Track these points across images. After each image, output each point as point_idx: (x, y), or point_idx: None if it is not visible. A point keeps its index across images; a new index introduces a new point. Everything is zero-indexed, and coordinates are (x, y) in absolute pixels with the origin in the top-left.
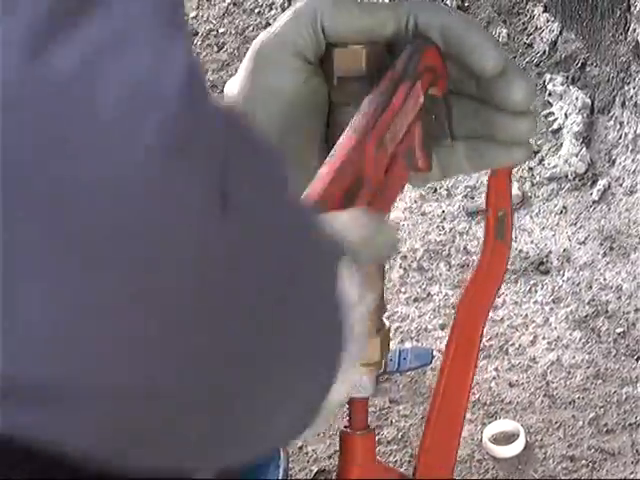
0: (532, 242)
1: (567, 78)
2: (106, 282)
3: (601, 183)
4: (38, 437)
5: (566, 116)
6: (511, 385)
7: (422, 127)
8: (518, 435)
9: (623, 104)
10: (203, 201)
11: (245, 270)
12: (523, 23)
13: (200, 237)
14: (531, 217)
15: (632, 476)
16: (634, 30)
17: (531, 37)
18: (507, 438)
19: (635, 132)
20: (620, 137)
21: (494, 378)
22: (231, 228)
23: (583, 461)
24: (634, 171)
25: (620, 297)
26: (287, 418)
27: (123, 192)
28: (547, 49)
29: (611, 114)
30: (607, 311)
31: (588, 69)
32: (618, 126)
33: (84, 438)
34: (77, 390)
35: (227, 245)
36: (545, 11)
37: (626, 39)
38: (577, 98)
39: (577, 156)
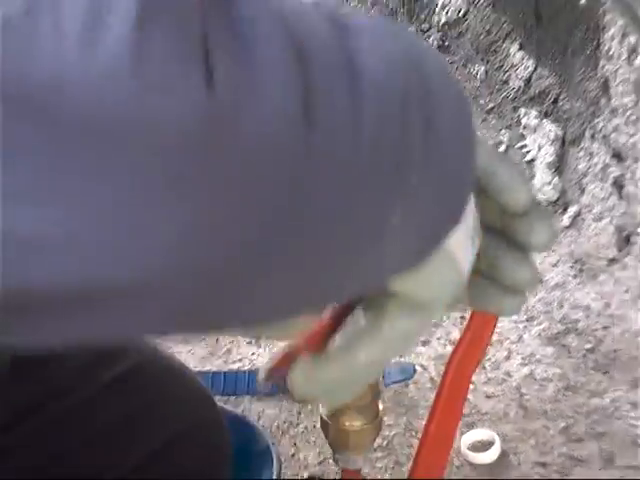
0: None
1: (541, 112)
2: (117, 179)
3: (572, 210)
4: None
5: (539, 148)
6: (487, 397)
7: None
8: (494, 443)
9: (593, 136)
10: (184, 76)
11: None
12: (500, 61)
13: (185, 121)
14: None
15: None
16: (603, 67)
17: (507, 74)
18: (484, 446)
19: (604, 162)
20: (589, 167)
21: (472, 391)
22: (218, 106)
23: (554, 467)
24: (602, 199)
25: (589, 316)
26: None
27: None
28: (522, 85)
29: (581, 146)
30: (577, 329)
31: (560, 104)
32: (588, 157)
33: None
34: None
35: (218, 125)
36: (520, 49)
37: (596, 75)
38: (550, 131)
39: (549, 185)
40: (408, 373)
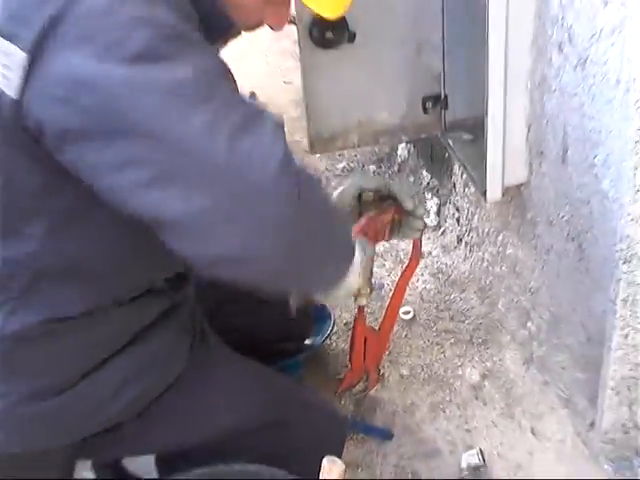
0: None
1: (432, 194)
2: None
3: (442, 229)
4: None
5: (431, 207)
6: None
7: (390, 229)
8: (411, 312)
9: (449, 203)
10: (287, 197)
11: (314, 221)
12: (417, 177)
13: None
14: None
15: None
16: (452, 177)
17: (420, 181)
18: (406, 312)
19: (453, 212)
20: (447, 214)
21: (415, 274)
22: (305, 210)
23: (445, 309)
24: (455, 224)
25: (444, 252)
26: (332, 275)
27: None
28: (426, 184)
29: (446, 206)
30: (442, 271)
31: (439, 191)
32: (447, 210)
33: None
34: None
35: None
36: (427, 172)
37: (450, 181)
38: (435, 201)
39: (434, 219)
40: (381, 286)
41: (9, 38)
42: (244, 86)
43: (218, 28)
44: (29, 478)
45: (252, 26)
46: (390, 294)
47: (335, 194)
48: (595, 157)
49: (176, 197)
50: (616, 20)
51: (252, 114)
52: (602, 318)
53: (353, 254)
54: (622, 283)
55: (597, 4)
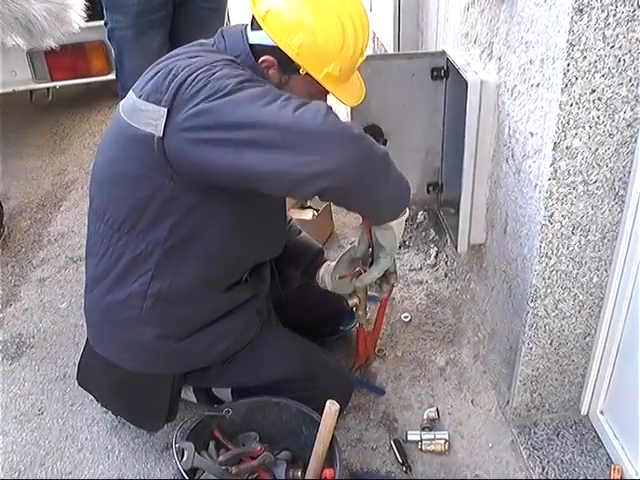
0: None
1: (434, 244)
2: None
3: (436, 267)
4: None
5: (432, 253)
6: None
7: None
8: (409, 317)
9: (442, 253)
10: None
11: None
12: (428, 233)
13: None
14: (422, 271)
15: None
16: (446, 235)
17: (425, 240)
18: (405, 317)
19: (445, 257)
20: (441, 258)
21: (416, 293)
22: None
23: (430, 317)
24: (444, 265)
25: (439, 289)
26: (396, 203)
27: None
28: (431, 237)
29: (440, 254)
30: (432, 294)
31: (438, 242)
32: (441, 256)
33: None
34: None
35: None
36: (433, 239)
37: (445, 237)
38: (435, 249)
39: (434, 260)
40: (377, 299)
41: (156, 103)
42: None
43: None
44: (153, 391)
45: None
46: (377, 308)
47: (338, 257)
48: (521, 232)
49: (268, 155)
50: (537, 146)
51: (304, 102)
52: (517, 335)
53: (407, 188)
54: (529, 315)
55: (527, 135)
